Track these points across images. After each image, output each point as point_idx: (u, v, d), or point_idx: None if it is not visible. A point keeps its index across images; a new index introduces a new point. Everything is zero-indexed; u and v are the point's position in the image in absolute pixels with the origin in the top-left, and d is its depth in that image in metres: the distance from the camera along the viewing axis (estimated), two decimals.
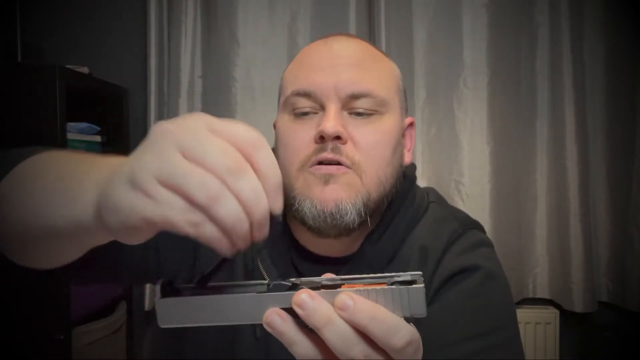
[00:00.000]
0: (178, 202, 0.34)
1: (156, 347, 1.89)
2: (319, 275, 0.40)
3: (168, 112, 1.84)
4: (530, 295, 1.84)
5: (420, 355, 0.40)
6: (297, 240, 0.73)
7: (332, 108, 0.64)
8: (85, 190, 0.40)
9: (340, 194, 0.63)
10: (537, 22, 1.80)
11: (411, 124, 0.75)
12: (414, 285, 0.38)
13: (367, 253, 0.71)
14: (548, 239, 1.82)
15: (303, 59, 0.70)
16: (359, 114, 0.66)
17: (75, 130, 1.65)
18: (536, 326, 1.78)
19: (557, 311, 1.79)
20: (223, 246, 0.35)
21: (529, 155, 1.82)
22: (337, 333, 0.37)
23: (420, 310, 0.38)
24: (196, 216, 0.34)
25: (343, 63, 0.66)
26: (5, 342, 1.44)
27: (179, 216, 0.34)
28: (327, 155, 0.63)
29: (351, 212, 0.63)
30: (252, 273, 0.72)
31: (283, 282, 0.40)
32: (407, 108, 0.75)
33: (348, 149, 0.64)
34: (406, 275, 0.38)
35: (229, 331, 0.72)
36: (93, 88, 1.75)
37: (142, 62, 1.85)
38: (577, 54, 1.74)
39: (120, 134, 1.84)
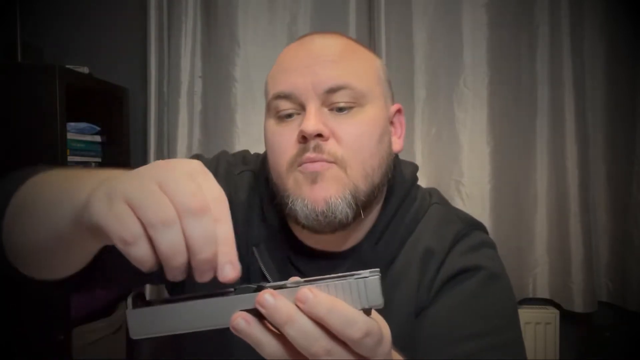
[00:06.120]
0: (125, 216, 0.37)
1: (156, 347, 1.89)
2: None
3: (168, 112, 1.84)
4: (530, 295, 1.84)
5: (385, 348, 0.41)
6: (294, 235, 0.73)
7: (312, 106, 0.65)
8: (81, 191, 0.43)
9: (329, 191, 0.64)
10: (537, 22, 1.80)
11: (399, 111, 0.75)
12: (369, 277, 0.40)
13: (367, 253, 0.71)
14: (548, 239, 1.82)
15: (281, 63, 0.71)
16: (339, 109, 0.66)
17: (75, 130, 1.65)
18: (536, 326, 1.78)
19: (557, 311, 1.79)
20: (144, 269, 0.37)
21: (529, 155, 1.82)
22: (298, 329, 0.38)
23: (378, 301, 0.40)
24: (129, 235, 0.36)
25: (319, 61, 0.67)
26: (6, 342, 1.45)
27: (115, 227, 0.36)
28: (310, 155, 0.64)
29: (342, 207, 0.64)
30: (249, 267, 0.72)
31: (249, 286, 0.41)
32: (392, 96, 0.75)
33: (330, 145, 0.65)
34: (365, 273, 0.40)
35: (227, 330, 0.72)
36: (93, 88, 1.75)
37: (142, 62, 1.85)
38: (577, 54, 1.74)
39: (120, 134, 1.84)
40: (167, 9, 1.83)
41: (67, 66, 1.61)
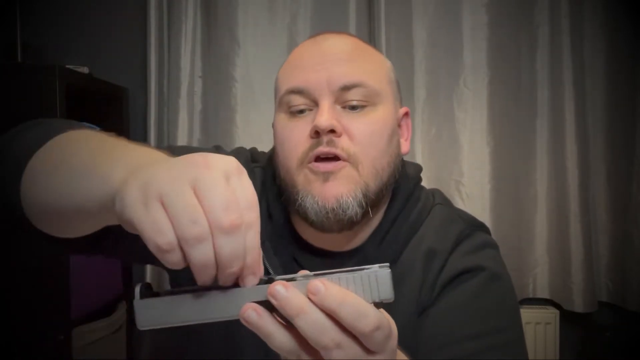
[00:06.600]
0: (162, 223, 0.36)
1: (159, 347, 1.88)
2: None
3: (168, 112, 1.84)
4: (530, 295, 1.84)
5: (394, 344, 0.41)
6: (299, 234, 0.73)
7: (326, 103, 0.66)
8: (114, 174, 0.43)
9: (340, 189, 0.64)
10: (537, 22, 1.80)
11: (406, 114, 0.77)
12: (380, 271, 0.40)
13: (371, 253, 0.71)
14: (548, 239, 1.82)
15: (295, 59, 0.72)
16: (352, 108, 0.67)
17: None
18: (536, 326, 1.78)
19: (557, 311, 1.79)
20: (173, 268, 0.38)
21: (529, 154, 1.82)
22: (309, 321, 0.38)
23: (388, 294, 0.40)
24: (165, 244, 0.36)
25: (333, 58, 0.68)
26: (6, 342, 1.44)
27: (151, 234, 0.36)
28: (323, 149, 0.64)
29: (352, 205, 0.64)
30: None
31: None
32: (401, 98, 0.77)
33: (343, 141, 0.65)
34: (375, 267, 0.40)
35: (233, 329, 0.72)
36: (93, 88, 1.75)
37: (142, 62, 1.85)
38: (577, 54, 1.74)
39: (120, 134, 1.80)
40: (167, 9, 1.83)
41: (67, 66, 1.61)
